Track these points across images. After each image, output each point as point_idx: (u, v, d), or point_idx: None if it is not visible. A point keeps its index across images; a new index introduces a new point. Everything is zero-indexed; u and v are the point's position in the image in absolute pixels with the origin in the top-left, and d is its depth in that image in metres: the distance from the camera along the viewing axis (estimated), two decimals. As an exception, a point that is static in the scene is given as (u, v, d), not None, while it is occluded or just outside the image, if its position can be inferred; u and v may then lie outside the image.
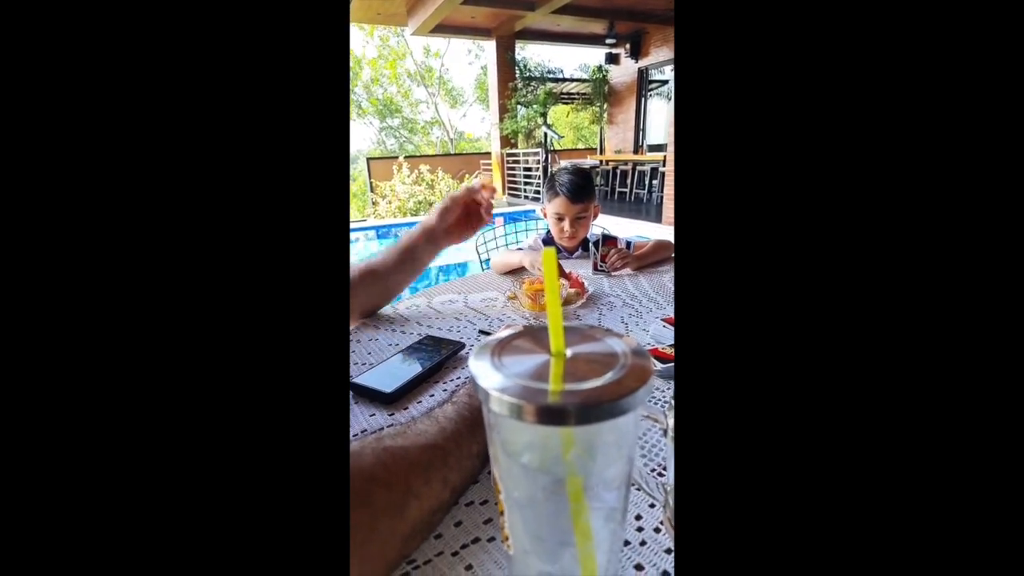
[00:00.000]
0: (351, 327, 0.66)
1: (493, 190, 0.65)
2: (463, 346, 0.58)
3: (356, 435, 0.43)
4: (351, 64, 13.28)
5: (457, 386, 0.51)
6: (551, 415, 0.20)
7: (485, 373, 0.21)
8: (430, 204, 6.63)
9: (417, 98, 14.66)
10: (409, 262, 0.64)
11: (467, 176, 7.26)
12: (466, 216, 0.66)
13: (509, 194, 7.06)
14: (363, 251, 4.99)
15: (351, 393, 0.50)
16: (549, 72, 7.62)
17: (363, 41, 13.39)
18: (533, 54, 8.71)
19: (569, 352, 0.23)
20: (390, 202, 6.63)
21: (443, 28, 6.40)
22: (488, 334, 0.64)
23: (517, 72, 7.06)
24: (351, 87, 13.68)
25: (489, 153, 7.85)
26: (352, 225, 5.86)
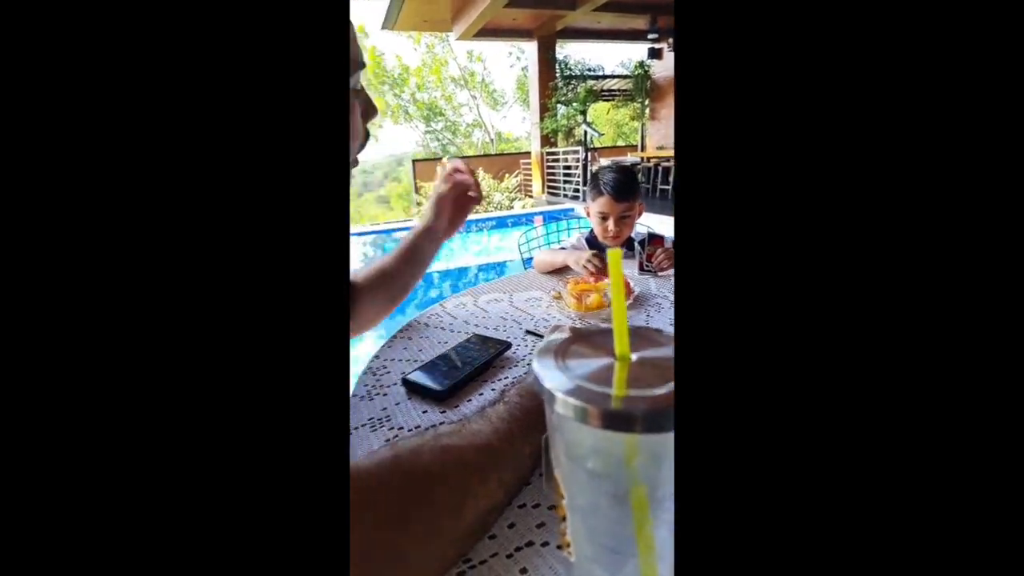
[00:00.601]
0: (369, 330, 0.68)
1: (469, 171, 0.65)
2: (510, 346, 0.58)
3: (410, 431, 0.44)
4: (400, 73, 13.69)
5: (506, 386, 0.51)
6: (616, 421, 0.19)
7: (550, 374, 0.21)
8: (471, 204, 6.71)
9: (459, 101, 14.93)
10: (415, 262, 0.66)
11: (506, 175, 7.30)
12: (459, 206, 0.66)
13: (548, 193, 7.03)
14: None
15: (405, 389, 0.51)
16: (589, 69, 7.52)
17: (411, 49, 13.79)
18: (573, 52, 8.63)
19: (634, 356, 0.22)
20: (433, 203, 6.79)
21: (486, 31, 6.47)
22: (536, 335, 0.64)
23: (557, 71, 7.01)
24: (398, 95, 14.06)
25: (528, 152, 7.85)
26: (397, 225, 6.04)
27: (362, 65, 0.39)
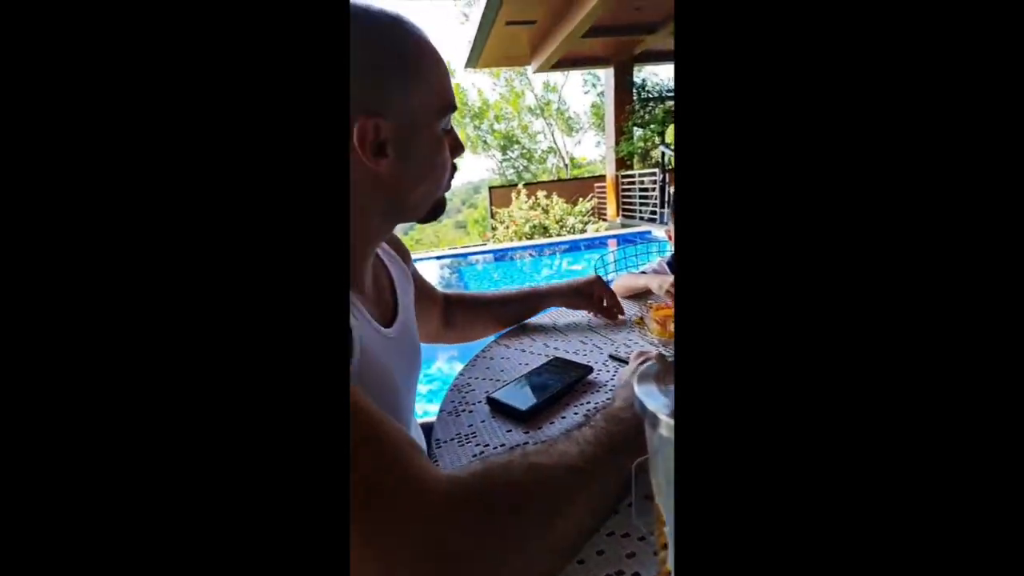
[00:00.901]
0: (465, 341, 0.79)
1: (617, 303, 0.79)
2: (591, 370, 0.58)
3: (495, 448, 0.46)
4: (480, 106, 14.54)
5: (589, 411, 0.51)
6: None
7: (652, 397, 0.21)
8: (544, 228, 6.81)
9: (535, 130, 15.41)
10: (526, 309, 0.80)
11: (580, 199, 7.31)
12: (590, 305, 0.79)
13: (623, 216, 6.91)
14: (482, 273, 5.32)
15: (488, 407, 0.53)
16: (668, 90, 7.37)
17: (491, 84, 14.67)
18: (651, 73, 8.55)
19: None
20: (508, 227, 6.99)
21: (563, 62, 6.67)
22: (620, 360, 0.63)
23: (634, 94, 6.98)
24: (478, 126, 14.90)
25: (603, 176, 7.82)
26: (473, 249, 6.31)
27: (454, 108, 0.44)
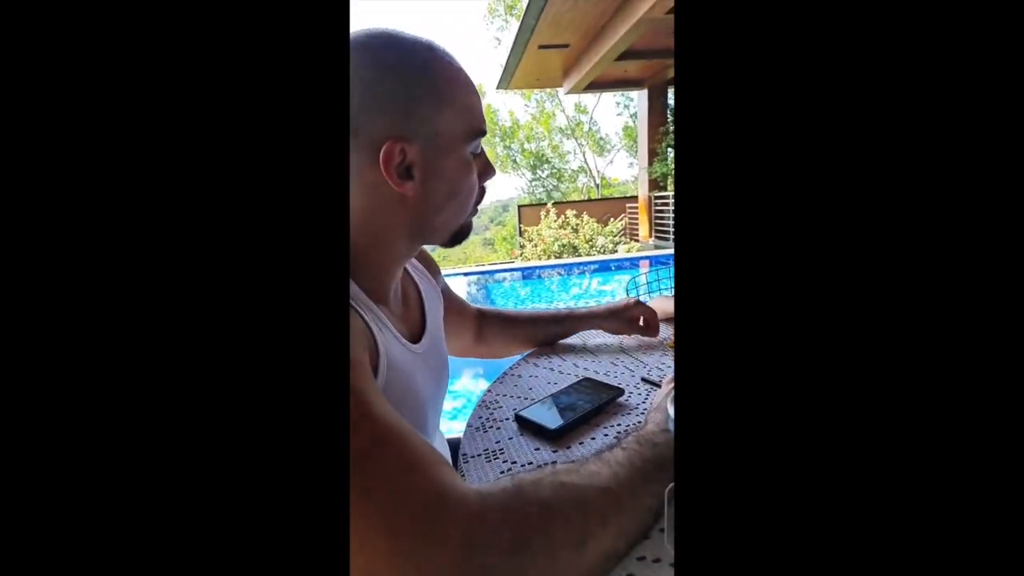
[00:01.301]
0: (497, 357, 0.80)
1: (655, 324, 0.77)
2: (622, 392, 0.57)
3: (523, 466, 0.46)
4: (510, 126, 14.87)
5: (619, 433, 0.50)
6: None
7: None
8: (574, 247, 6.80)
9: (566, 149, 15.57)
10: (559, 331, 0.79)
11: (611, 219, 7.28)
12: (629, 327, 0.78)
13: (656, 237, 6.82)
14: (509, 291, 5.34)
15: (516, 425, 0.53)
16: (703, 112, 7.30)
17: (522, 105, 15.02)
18: (686, 96, 8.50)
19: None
20: (536, 245, 7.02)
21: (596, 84, 6.76)
22: (653, 383, 0.62)
23: (668, 116, 6.97)
24: (508, 146, 15.21)
25: (635, 197, 7.78)
26: (501, 266, 6.36)
27: (483, 132, 0.44)
